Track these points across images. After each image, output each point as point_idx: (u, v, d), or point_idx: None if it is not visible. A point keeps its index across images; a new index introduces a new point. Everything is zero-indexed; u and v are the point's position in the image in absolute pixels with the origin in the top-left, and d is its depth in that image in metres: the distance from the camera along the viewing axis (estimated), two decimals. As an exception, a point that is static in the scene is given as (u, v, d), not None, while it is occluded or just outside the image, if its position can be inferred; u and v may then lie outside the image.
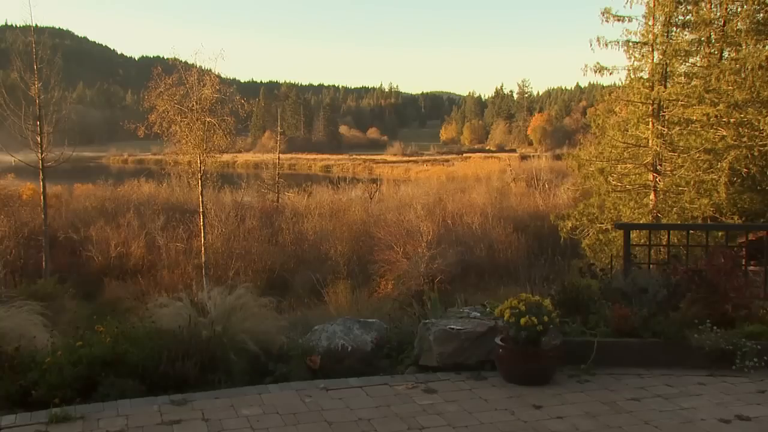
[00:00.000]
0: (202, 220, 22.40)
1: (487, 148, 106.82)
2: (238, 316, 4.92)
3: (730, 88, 16.42)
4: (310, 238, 25.08)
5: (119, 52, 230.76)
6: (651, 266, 6.16)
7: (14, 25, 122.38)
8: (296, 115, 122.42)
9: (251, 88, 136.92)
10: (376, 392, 4.29)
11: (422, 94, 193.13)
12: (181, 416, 3.84)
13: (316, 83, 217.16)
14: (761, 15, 17.07)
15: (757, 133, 16.31)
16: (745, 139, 16.52)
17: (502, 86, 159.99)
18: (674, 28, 17.95)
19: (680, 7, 17.73)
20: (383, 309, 10.03)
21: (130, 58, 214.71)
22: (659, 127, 17.81)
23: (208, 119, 21.88)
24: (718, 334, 4.66)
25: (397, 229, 22.69)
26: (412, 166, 67.74)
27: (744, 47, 16.89)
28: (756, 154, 16.34)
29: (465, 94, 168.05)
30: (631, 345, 4.78)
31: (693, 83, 17.65)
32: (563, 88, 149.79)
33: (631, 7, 18.83)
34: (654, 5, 17.65)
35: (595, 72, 19.14)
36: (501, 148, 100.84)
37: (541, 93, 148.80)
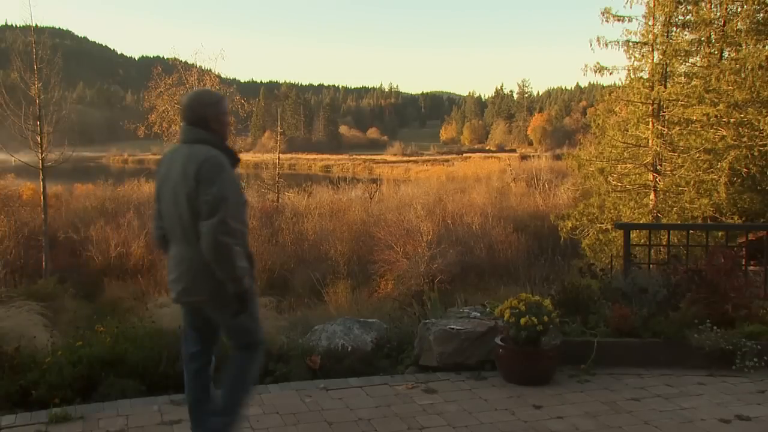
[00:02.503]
0: (202, 220, 22.39)
1: (487, 148, 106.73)
2: (238, 316, 4.90)
3: (730, 88, 16.41)
4: (310, 238, 25.06)
5: (119, 52, 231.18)
6: (651, 266, 6.16)
7: (14, 25, 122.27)
8: (296, 115, 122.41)
9: (251, 88, 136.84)
10: (376, 392, 4.29)
11: (422, 94, 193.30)
12: (181, 416, 3.83)
13: (316, 83, 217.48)
14: (761, 15, 17.06)
15: (757, 133, 16.30)
16: (745, 139, 16.51)
17: (502, 86, 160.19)
18: (674, 28, 17.95)
19: (680, 7, 17.73)
20: (383, 309, 10.02)
21: (130, 58, 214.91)
22: (659, 127, 17.81)
23: (208, 119, 21.89)
24: (718, 334, 4.66)
25: (397, 229, 22.67)
26: (412, 166, 67.69)
27: (744, 47, 16.89)
28: (756, 154, 16.33)
29: (465, 94, 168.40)
30: (631, 345, 4.78)
31: (693, 83, 17.64)
32: (563, 88, 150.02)
33: (631, 7, 18.85)
34: (654, 5, 17.64)
35: (595, 72, 19.15)
36: (501, 148, 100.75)
37: (541, 93, 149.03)
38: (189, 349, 3.30)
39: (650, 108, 17.83)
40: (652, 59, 17.87)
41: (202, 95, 3.29)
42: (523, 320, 4.30)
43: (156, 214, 3.30)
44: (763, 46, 16.72)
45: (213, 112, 3.18)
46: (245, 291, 3.00)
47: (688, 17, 17.79)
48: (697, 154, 16.92)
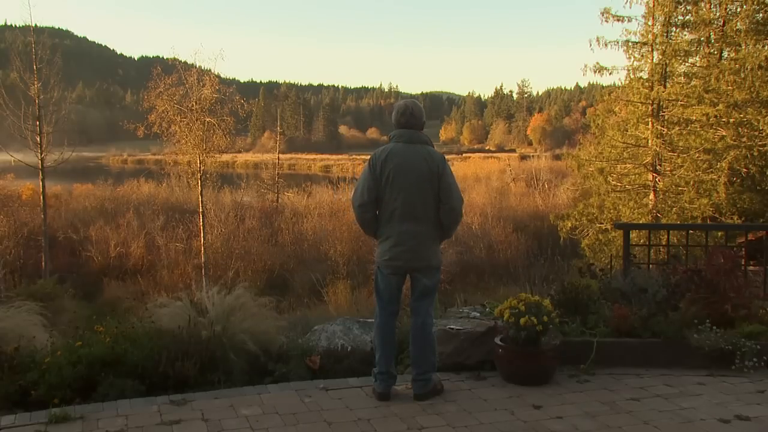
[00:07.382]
0: (201, 220, 22.40)
1: (486, 148, 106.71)
2: (237, 316, 4.90)
3: (729, 88, 16.42)
4: (310, 238, 25.05)
5: (119, 52, 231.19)
6: (651, 266, 6.16)
7: (14, 25, 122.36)
8: (296, 115, 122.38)
9: (251, 88, 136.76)
10: (375, 392, 4.27)
11: (422, 94, 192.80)
12: (181, 416, 3.83)
13: (315, 83, 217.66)
14: (761, 15, 17.07)
15: (756, 133, 16.31)
16: (744, 139, 16.52)
17: (501, 86, 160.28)
18: (674, 28, 17.96)
19: (680, 7, 17.74)
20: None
21: (130, 58, 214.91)
22: (659, 127, 17.81)
23: (207, 119, 21.88)
24: (718, 334, 4.65)
25: (397, 228, 22.64)
26: (412, 166, 67.40)
27: (743, 47, 16.90)
28: (756, 154, 16.34)
29: (465, 94, 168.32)
30: (631, 345, 4.78)
31: (692, 83, 17.65)
32: (563, 88, 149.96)
33: (630, 7, 18.86)
34: (654, 5, 17.65)
35: (595, 72, 19.19)
36: (501, 148, 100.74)
37: (540, 93, 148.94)
38: (394, 306, 4.25)
39: (650, 108, 17.84)
40: (652, 59, 17.88)
41: (419, 107, 4.20)
42: (522, 320, 4.30)
43: (368, 203, 4.11)
44: (763, 46, 16.72)
45: (423, 120, 4.21)
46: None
47: (687, 17, 17.80)
48: (697, 154, 16.93)
